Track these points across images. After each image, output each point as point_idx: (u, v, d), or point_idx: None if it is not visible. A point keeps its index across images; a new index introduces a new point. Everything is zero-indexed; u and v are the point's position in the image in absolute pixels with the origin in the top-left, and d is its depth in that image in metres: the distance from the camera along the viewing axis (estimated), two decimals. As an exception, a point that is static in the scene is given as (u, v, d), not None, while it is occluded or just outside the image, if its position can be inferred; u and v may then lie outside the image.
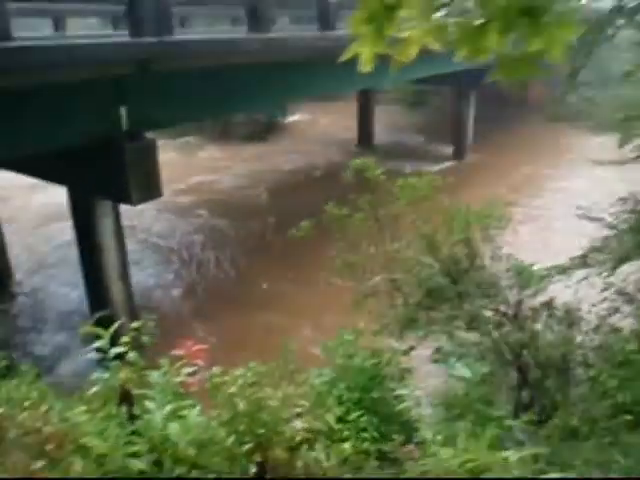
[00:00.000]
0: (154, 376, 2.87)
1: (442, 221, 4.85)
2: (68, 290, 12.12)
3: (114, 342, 2.86)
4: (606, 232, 6.20)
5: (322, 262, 11.10)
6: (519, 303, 4.53)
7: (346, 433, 3.86)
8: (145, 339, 3.16)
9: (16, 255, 13.30)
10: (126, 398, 2.52)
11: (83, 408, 2.54)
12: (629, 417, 3.79)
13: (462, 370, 2.80)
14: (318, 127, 27.93)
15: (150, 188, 7.83)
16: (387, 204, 5.13)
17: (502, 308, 4.59)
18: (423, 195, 4.82)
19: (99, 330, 2.60)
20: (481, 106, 22.74)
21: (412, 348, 5.16)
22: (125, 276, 9.15)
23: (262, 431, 3.43)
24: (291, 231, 5.30)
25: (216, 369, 3.10)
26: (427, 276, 4.63)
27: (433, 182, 4.90)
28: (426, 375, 5.52)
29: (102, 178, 7.94)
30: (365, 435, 3.97)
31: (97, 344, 2.58)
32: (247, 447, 3.15)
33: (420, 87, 27.61)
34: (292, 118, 28.21)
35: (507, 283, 4.64)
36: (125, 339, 2.91)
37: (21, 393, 2.91)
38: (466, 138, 22.15)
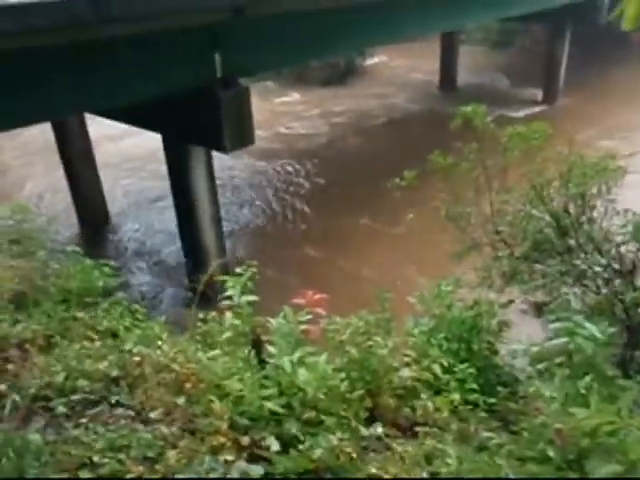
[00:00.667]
0: (273, 323, 2.98)
1: (554, 172, 4.61)
2: (159, 232, 12.74)
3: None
4: None
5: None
6: (635, 260, 4.30)
7: (452, 384, 3.88)
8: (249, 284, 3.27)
9: (110, 197, 14.03)
10: (256, 343, 2.63)
11: (217, 352, 2.67)
12: None
13: (591, 328, 2.71)
14: (398, 70, 27.03)
15: (243, 136, 7.89)
16: (491, 153, 4.93)
17: (614, 264, 4.37)
18: (535, 145, 4.59)
19: (230, 278, 2.69)
20: (577, 46, 21.13)
21: (512, 302, 5.06)
22: (217, 221, 9.41)
23: (372, 378, 3.53)
24: (393, 180, 5.21)
25: (335, 319, 3.16)
26: (536, 228, 4.47)
27: (545, 131, 4.64)
28: (522, 329, 5.42)
29: (196, 125, 8.07)
30: (468, 386, 3.98)
31: (228, 292, 2.68)
32: (358, 393, 3.25)
33: (508, 26, 26.00)
34: (371, 61, 27.43)
35: (622, 239, 4.40)
36: (235, 286, 3.01)
37: (154, 332, 3.11)
38: (558, 81, 20.74)
